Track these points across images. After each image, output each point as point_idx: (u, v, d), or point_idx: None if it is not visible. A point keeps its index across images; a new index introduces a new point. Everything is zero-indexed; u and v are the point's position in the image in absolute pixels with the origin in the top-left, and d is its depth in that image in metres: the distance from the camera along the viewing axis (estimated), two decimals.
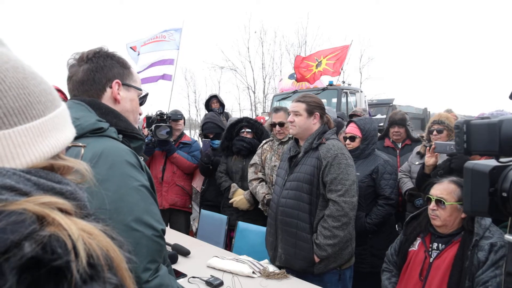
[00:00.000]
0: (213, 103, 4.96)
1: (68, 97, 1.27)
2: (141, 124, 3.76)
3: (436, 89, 33.41)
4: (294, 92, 8.58)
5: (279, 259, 2.29)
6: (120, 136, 1.19)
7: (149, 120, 3.52)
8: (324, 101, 4.07)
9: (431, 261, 1.95)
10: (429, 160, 2.67)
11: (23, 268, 0.34)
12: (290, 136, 2.95)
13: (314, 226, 2.19)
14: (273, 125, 3.12)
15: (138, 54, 6.43)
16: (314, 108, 2.29)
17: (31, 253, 0.35)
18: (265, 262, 2.34)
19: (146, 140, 3.35)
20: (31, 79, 0.51)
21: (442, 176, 2.16)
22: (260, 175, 3.12)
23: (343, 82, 9.72)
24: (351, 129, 2.92)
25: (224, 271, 2.19)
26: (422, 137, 3.36)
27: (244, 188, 3.24)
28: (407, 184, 3.08)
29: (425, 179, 2.62)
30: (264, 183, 3.07)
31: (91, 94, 1.21)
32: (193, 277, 2.09)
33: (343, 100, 8.09)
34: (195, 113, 22.11)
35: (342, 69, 8.18)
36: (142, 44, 6.45)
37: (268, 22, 33.62)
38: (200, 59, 35.40)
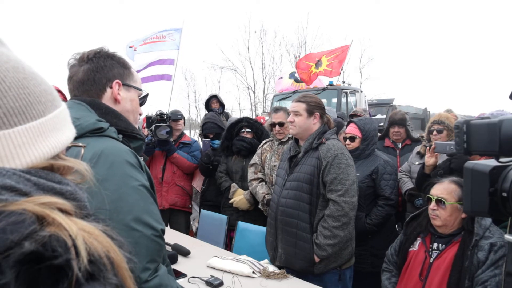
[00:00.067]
0: (213, 103, 4.97)
1: (68, 97, 1.27)
2: (141, 124, 3.76)
3: (436, 89, 33.48)
4: (294, 92, 8.58)
5: (279, 259, 2.29)
6: (120, 136, 1.19)
7: (149, 120, 3.52)
8: (324, 101, 4.07)
9: (431, 261, 1.95)
10: (429, 160, 2.67)
11: (22, 265, 0.34)
12: (290, 136, 2.95)
13: (314, 226, 2.19)
14: (273, 125, 3.12)
15: (135, 50, 6.41)
16: (314, 108, 2.29)
17: (30, 249, 0.35)
18: (265, 262, 2.34)
19: (146, 140, 3.35)
20: (31, 79, 0.51)
21: (442, 176, 2.16)
22: (260, 175, 3.12)
23: (343, 82, 9.73)
24: (351, 129, 2.91)
25: (224, 271, 2.19)
26: (422, 137, 3.37)
27: (244, 188, 3.24)
28: (407, 184, 3.08)
29: (425, 179, 2.62)
30: (264, 183, 3.07)
31: (91, 94, 1.21)
32: (193, 277, 2.09)
33: (343, 100, 8.09)
34: (195, 113, 22.16)
35: (342, 69, 8.18)
36: (141, 43, 6.44)
37: (268, 22, 33.72)
38: (200, 59, 35.51)
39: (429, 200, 2.00)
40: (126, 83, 1.26)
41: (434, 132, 2.94)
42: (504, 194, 0.99)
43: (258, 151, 3.18)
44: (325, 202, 2.19)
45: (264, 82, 20.46)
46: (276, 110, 3.22)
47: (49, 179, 0.47)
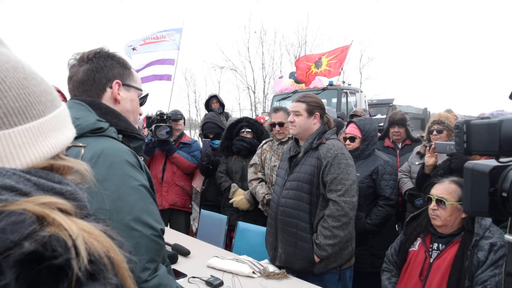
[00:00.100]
0: (213, 103, 4.97)
1: (68, 97, 1.27)
2: (141, 124, 3.76)
3: (436, 89, 33.49)
4: (294, 92, 8.58)
5: (279, 259, 2.29)
6: (120, 136, 1.19)
7: (149, 120, 3.52)
8: (324, 101, 4.07)
9: (431, 261, 1.95)
10: (429, 160, 2.67)
11: (22, 265, 0.34)
12: (290, 136, 2.95)
13: (314, 226, 2.19)
14: (272, 125, 3.12)
15: (134, 50, 6.40)
16: (315, 108, 2.29)
17: (30, 249, 0.35)
18: (265, 262, 2.34)
19: (146, 140, 3.35)
20: (31, 79, 0.51)
21: (443, 176, 2.16)
22: (259, 175, 3.12)
23: (343, 82, 9.72)
24: (351, 129, 2.91)
25: (224, 271, 2.19)
26: (422, 137, 3.36)
27: (244, 188, 3.24)
28: (407, 184, 3.08)
29: (425, 179, 2.62)
30: (263, 183, 3.07)
31: (91, 94, 1.21)
32: (193, 277, 2.09)
33: (343, 100, 8.08)
34: (195, 113, 22.17)
35: (342, 69, 8.18)
36: (141, 43, 6.44)
37: (268, 22, 33.72)
38: (200, 59, 35.50)
39: (429, 200, 2.00)
40: (126, 83, 1.26)
41: (434, 132, 2.94)
42: (504, 194, 0.99)
43: (258, 151, 3.18)
44: (325, 202, 2.19)
45: (264, 82, 20.48)
46: (276, 110, 3.22)
47: (49, 179, 0.47)
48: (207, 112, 4.75)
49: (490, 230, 1.83)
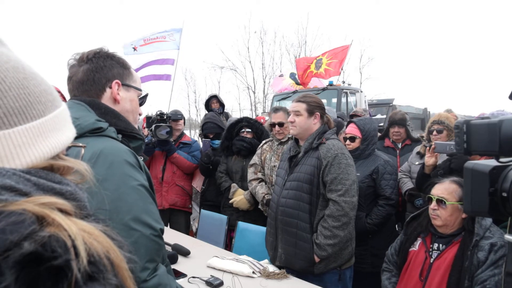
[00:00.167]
0: (213, 103, 4.97)
1: (67, 98, 1.27)
2: (141, 124, 3.76)
3: (436, 89, 33.49)
4: (294, 92, 8.58)
5: (279, 259, 2.29)
6: (120, 136, 1.19)
7: (149, 120, 3.52)
8: (324, 101, 4.07)
9: (431, 261, 1.95)
10: (429, 160, 2.67)
11: (22, 266, 0.34)
12: (290, 136, 2.95)
13: (314, 226, 2.19)
14: (272, 125, 3.12)
15: (135, 50, 6.40)
16: (315, 108, 2.29)
17: (30, 249, 0.35)
18: (265, 262, 2.34)
19: (146, 140, 3.35)
20: (31, 79, 0.51)
21: (443, 176, 2.16)
22: (259, 175, 3.12)
23: (343, 82, 9.72)
24: (351, 129, 2.91)
25: (224, 271, 2.19)
26: (422, 137, 3.36)
27: (244, 188, 3.24)
28: (407, 184, 3.08)
29: (425, 179, 2.62)
30: (263, 183, 3.07)
31: (91, 94, 1.21)
32: (193, 277, 2.09)
33: (343, 100, 8.08)
34: (195, 113, 22.17)
35: (342, 69, 8.18)
36: (141, 43, 6.44)
37: (268, 22, 33.69)
38: (200, 59, 35.49)
39: (430, 200, 2.00)
40: (126, 83, 1.26)
41: (434, 132, 2.94)
42: (504, 194, 0.99)
43: (258, 151, 3.18)
44: (325, 202, 2.19)
45: (264, 82, 20.48)
46: (275, 110, 3.22)
47: (49, 179, 0.47)
48: (207, 112, 4.75)
49: (490, 230, 1.83)
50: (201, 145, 3.79)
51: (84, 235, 0.41)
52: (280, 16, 34.90)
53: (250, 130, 3.38)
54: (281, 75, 10.74)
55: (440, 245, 1.96)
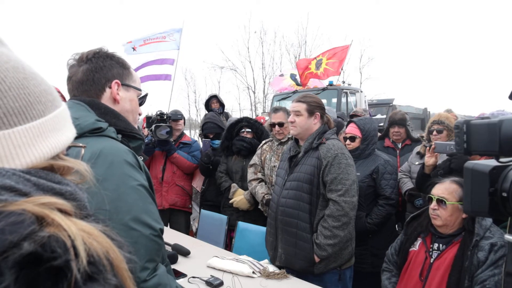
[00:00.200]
0: (213, 103, 4.97)
1: (67, 97, 1.27)
2: (141, 124, 3.76)
3: (436, 89, 33.49)
4: (294, 92, 8.58)
5: (279, 259, 2.29)
6: (119, 136, 1.19)
7: (149, 120, 3.52)
8: (324, 101, 4.07)
9: (431, 261, 1.95)
10: (429, 160, 2.67)
11: (21, 266, 0.34)
12: (290, 136, 2.95)
13: (314, 226, 2.19)
14: (272, 125, 3.12)
15: (134, 50, 6.41)
16: (315, 108, 2.29)
17: (29, 250, 0.35)
18: (265, 262, 2.34)
19: (146, 140, 3.35)
20: (31, 79, 0.51)
21: (443, 176, 2.16)
22: (259, 175, 3.12)
23: (343, 82, 9.72)
24: (351, 129, 2.91)
25: (224, 271, 2.19)
26: (422, 137, 3.36)
27: (244, 188, 3.24)
28: (407, 184, 3.08)
29: (425, 179, 2.62)
30: (263, 183, 3.06)
31: (91, 94, 1.21)
32: (193, 277, 2.09)
33: (343, 100, 8.08)
34: (195, 113, 22.17)
35: (342, 69, 8.18)
36: (141, 43, 6.44)
37: (268, 22, 33.70)
38: (200, 59, 35.48)
39: (430, 199, 2.00)
40: (125, 83, 1.26)
41: (434, 132, 2.94)
42: (504, 194, 0.99)
43: (258, 151, 3.18)
44: (325, 202, 2.19)
45: (264, 82, 20.48)
46: (275, 110, 3.22)
47: (49, 179, 0.47)
48: (207, 112, 4.75)
49: (490, 230, 1.83)
50: (201, 145, 3.79)
51: (83, 235, 0.41)
52: (280, 16, 34.96)
53: (250, 130, 3.38)
54: (281, 75, 10.74)
55: (440, 245, 1.96)
